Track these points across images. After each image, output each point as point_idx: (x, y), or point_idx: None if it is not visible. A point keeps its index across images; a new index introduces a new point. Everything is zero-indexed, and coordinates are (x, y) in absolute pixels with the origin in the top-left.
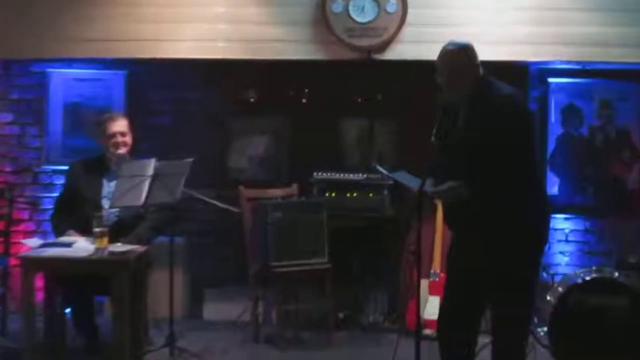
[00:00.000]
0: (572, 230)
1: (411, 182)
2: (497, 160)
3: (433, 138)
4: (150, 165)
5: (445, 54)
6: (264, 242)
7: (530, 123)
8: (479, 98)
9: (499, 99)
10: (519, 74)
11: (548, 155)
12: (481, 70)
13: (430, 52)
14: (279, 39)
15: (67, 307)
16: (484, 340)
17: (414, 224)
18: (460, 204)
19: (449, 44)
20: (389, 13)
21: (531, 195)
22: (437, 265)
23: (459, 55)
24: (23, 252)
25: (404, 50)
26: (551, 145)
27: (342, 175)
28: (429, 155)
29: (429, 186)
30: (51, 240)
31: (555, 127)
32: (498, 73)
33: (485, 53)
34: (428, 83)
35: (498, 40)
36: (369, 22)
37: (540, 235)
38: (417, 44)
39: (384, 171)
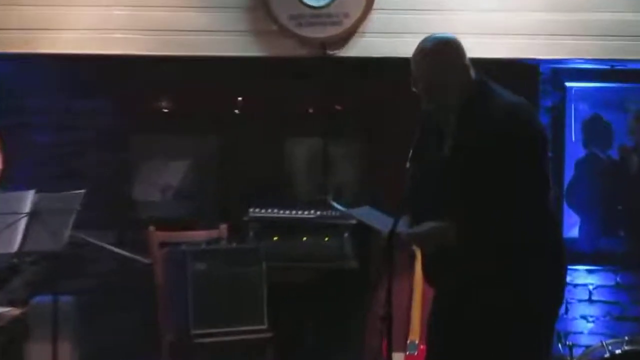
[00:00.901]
0: (597, 287)
1: (379, 221)
2: (495, 191)
3: (409, 163)
4: (27, 200)
5: (422, 53)
6: (183, 302)
7: (541, 142)
8: (471, 109)
9: (499, 110)
10: (526, 77)
11: (565, 185)
12: (473, 73)
13: (406, 47)
14: (201, 29)
15: None
16: None
17: (383, 279)
18: (445, 252)
19: (427, 39)
20: None
21: (542, 238)
22: (415, 335)
23: (441, 53)
24: None
25: (371, 44)
26: (569, 172)
27: (287, 212)
28: (404, 185)
29: (403, 227)
30: None
31: (575, 148)
32: (498, 76)
33: (482, 49)
34: (403, 88)
35: (498, 31)
36: (324, 5)
37: (554, 291)
38: (389, 36)
39: (340, 208)
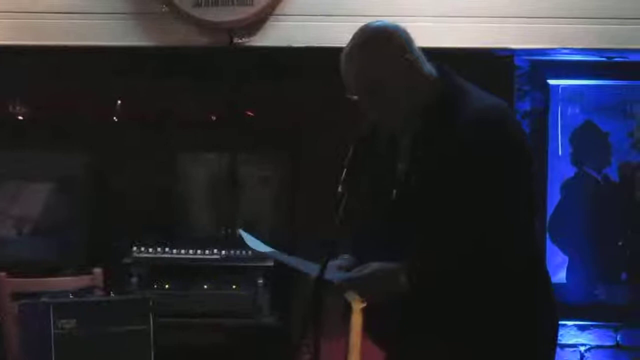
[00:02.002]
0: (591, 349)
1: (305, 261)
2: (461, 225)
3: (341, 187)
4: None
5: (348, 49)
6: None
7: (522, 159)
8: (432, 119)
9: (467, 119)
10: (496, 72)
11: (549, 214)
12: (432, 69)
13: (337, 34)
14: (67, 11)
15: None
16: None
17: (309, 339)
18: (397, 304)
19: (356, 32)
20: None
21: (523, 284)
22: None
23: (371, 46)
24: None
25: (290, 31)
26: (554, 197)
27: (182, 252)
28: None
29: (336, 270)
30: None
31: (561, 165)
32: (465, 72)
33: (438, 36)
34: (333, 88)
35: (459, 12)
36: None
37: (539, 354)
38: (315, 19)
39: (252, 240)
